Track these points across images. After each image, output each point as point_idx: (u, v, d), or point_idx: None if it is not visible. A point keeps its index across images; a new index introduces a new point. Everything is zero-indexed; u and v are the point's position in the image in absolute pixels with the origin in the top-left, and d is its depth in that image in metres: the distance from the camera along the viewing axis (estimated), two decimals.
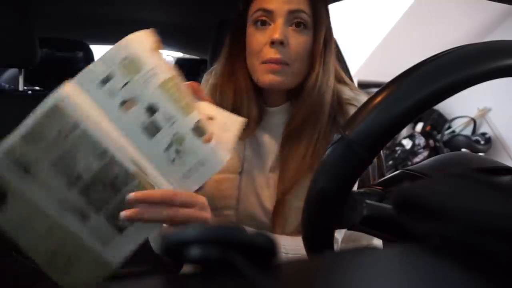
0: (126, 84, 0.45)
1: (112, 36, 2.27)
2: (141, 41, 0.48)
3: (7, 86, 1.78)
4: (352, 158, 0.37)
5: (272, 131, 0.74)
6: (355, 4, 3.55)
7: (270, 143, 0.74)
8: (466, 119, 3.31)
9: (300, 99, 0.71)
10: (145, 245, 0.61)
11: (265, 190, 0.72)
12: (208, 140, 0.48)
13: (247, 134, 0.72)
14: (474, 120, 3.27)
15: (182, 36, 2.06)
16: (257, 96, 0.74)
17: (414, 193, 0.26)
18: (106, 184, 0.45)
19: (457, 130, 3.36)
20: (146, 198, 0.47)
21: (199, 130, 0.48)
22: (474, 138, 3.21)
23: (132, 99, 0.46)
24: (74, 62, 1.85)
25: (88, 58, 1.89)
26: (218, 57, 0.78)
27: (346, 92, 0.75)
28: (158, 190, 0.48)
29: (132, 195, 0.46)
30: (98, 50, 2.62)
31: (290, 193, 0.69)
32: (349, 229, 0.42)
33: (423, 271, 0.21)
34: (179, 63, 2.48)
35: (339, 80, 0.78)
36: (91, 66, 0.45)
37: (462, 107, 3.25)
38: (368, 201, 0.41)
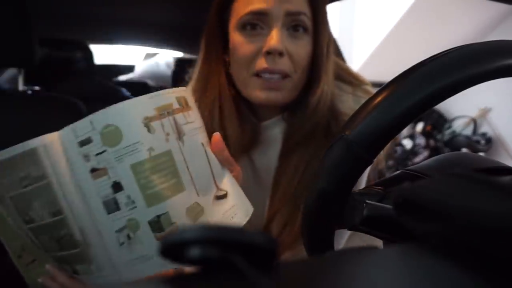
0: (101, 153, 0.43)
1: (112, 36, 2.28)
2: (136, 109, 0.43)
3: (7, 86, 1.77)
4: (352, 158, 0.37)
5: (266, 147, 0.66)
6: (355, 4, 3.54)
7: (265, 161, 0.66)
8: (466, 119, 3.31)
9: (299, 116, 0.62)
10: None
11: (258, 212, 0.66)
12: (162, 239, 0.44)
13: (239, 156, 0.63)
14: (474, 120, 3.27)
15: (182, 36, 2.06)
16: (246, 111, 0.64)
17: (414, 193, 0.26)
18: (53, 238, 0.45)
19: (458, 130, 3.35)
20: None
21: (157, 225, 0.44)
22: (474, 138, 3.21)
23: (103, 170, 0.43)
24: (74, 62, 1.85)
25: (88, 58, 1.89)
26: None
27: (345, 103, 0.64)
28: None
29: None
30: (98, 50, 2.63)
31: (278, 214, 0.63)
32: (349, 229, 0.42)
33: (423, 271, 0.21)
34: (179, 63, 2.48)
35: (339, 77, 0.68)
36: (77, 123, 0.43)
37: (462, 107, 3.25)
38: (368, 201, 0.41)
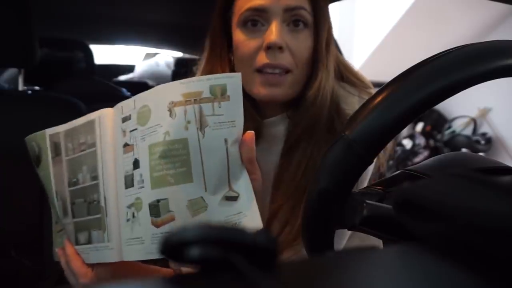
0: (133, 130, 0.46)
1: (112, 36, 2.28)
2: (165, 93, 0.44)
3: (7, 86, 1.77)
4: (352, 158, 0.37)
5: (269, 144, 0.66)
6: (355, 4, 3.54)
7: (267, 158, 0.66)
8: (466, 119, 3.30)
9: (300, 111, 0.63)
10: None
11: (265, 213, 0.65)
12: (159, 225, 0.44)
13: None
14: (474, 120, 3.26)
15: (182, 36, 2.06)
16: (250, 108, 0.64)
17: (414, 193, 0.26)
18: (86, 201, 0.50)
19: (458, 130, 3.35)
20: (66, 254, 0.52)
21: (155, 209, 0.44)
22: (474, 138, 3.20)
23: (131, 146, 0.46)
24: (74, 62, 1.85)
25: (88, 58, 1.89)
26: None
27: (350, 104, 0.64)
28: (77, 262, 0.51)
29: (66, 244, 0.53)
30: (98, 50, 2.63)
31: (280, 210, 0.63)
32: (349, 229, 0.42)
33: (423, 271, 0.21)
34: (179, 63, 2.48)
35: (344, 77, 0.67)
36: (124, 101, 0.47)
37: (462, 107, 3.24)
38: (368, 201, 0.41)
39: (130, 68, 3.11)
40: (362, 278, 0.21)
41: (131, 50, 3.55)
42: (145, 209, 0.44)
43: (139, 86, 2.45)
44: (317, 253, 0.42)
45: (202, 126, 0.43)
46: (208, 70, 0.67)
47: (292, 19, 0.59)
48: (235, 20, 0.62)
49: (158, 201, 0.44)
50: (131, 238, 0.46)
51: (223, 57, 0.66)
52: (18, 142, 0.58)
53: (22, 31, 1.03)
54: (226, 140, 0.44)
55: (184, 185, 0.43)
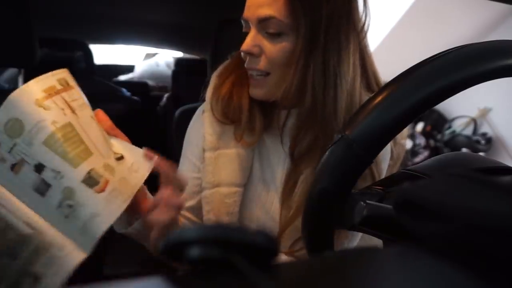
0: (13, 147, 0.45)
1: (112, 36, 2.28)
2: (25, 96, 0.47)
3: (7, 86, 1.77)
4: (352, 158, 0.37)
5: (282, 136, 0.69)
6: None
7: (279, 150, 0.70)
8: (466, 119, 3.30)
9: (304, 113, 0.65)
10: (135, 246, 0.61)
11: (275, 204, 0.69)
12: (102, 190, 0.48)
13: (255, 141, 0.68)
14: (474, 120, 3.26)
15: (182, 36, 2.06)
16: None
17: (414, 193, 0.26)
18: (3, 253, 0.43)
19: (458, 130, 3.35)
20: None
21: (91, 180, 0.47)
22: (474, 138, 3.20)
23: (20, 161, 0.46)
24: (74, 62, 1.85)
25: (88, 58, 1.89)
26: (218, 57, 0.75)
27: None
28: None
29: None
30: (98, 50, 2.63)
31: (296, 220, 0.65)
32: (349, 229, 0.42)
33: (423, 271, 0.21)
34: (179, 63, 2.48)
35: (369, 87, 0.70)
36: None
37: (462, 107, 3.24)
38: (368, 201, 0.41)
39: (130, 68, 3.11)
40: (362, 278, 0.21)
41: (131, 50, 3.55)
42: (81, 189, 0.46)
43: (139, 86, 2.44)
44: (317, 253, 0.42)
45: (73, 110, 0.50)
46: (231, 65, 0.72)
47: (266, 28, 0.62)
48: None
49: (88, 172, 0.48)
50: (83, 223, 0.46)
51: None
52: None
53: (22, 31, 1.03)
54: (92, 117, 0.53)
55: (90, 158, 0.49)
